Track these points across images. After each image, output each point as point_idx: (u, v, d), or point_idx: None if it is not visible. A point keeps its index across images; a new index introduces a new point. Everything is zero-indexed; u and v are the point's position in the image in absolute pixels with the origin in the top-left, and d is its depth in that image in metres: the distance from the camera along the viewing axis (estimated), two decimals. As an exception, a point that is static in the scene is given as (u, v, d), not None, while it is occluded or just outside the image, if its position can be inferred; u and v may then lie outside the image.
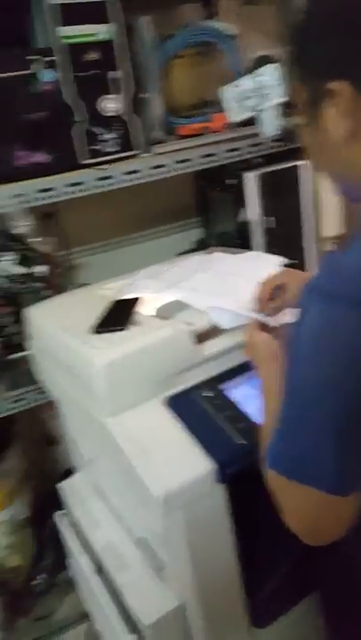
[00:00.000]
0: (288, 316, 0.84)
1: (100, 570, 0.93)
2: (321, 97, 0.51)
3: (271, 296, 0.85)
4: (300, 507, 0.52)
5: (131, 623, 0.83)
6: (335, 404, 0.47)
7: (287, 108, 1.27)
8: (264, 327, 0.80)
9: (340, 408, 0.47)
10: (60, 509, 1.14)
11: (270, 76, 1.18)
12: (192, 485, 0.69)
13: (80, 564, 0.97)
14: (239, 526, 0.76)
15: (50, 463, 1.62)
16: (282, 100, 1.19)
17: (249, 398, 0.80)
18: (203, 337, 0.85)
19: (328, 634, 0.81)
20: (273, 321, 0.83)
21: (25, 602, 1.43)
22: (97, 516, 1.01)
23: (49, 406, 1.36)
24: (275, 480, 0.54)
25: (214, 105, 1.27)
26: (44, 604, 1.45)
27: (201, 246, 1.46)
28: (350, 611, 0.72)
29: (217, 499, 0.72)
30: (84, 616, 1.37)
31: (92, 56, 1.11)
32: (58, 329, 0.91)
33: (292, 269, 0.84)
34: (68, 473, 1.31)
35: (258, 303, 0.85)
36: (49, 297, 1.25)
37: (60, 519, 1.10)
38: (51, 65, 1.07)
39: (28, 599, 1.43)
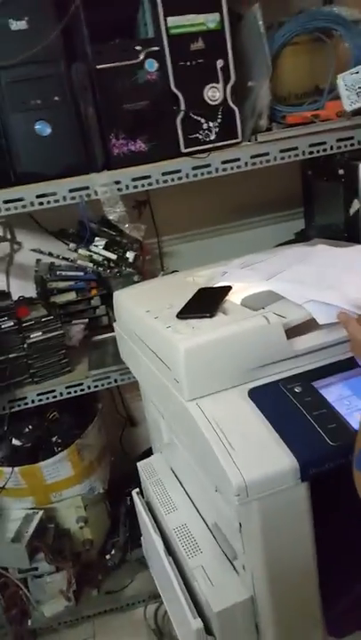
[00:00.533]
0: None
1: (171, 552, 0.94)
2: None
3: None
4: None
5: (199, 607, 0.83)
6: None
7: None
8: None
9: None
10: (137, 488, 1.17)
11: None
12: (273, 479, 0.67)
13: (153, 542, 0.99)
14: (322, 528, 0.72)
15: (130, 443, 1.67)
16: None
17: (344, 399, 0.76)
18: (296, 331, 0.82)
19: None
20: None
21: (97, 575, 1.49)
22: (172, 497, 1.02)
23: (132, 387, 1.41)
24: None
25: (329, 93, 1.21)
26: (115, 579, 1.51)
27: (302, 238, 1.42)
28: None
29: (298, 496, 0.69)
30: (153, 596, 1.40)
31: (198, 45, 1.12)
32: (144, 312, 0.93)
33: None
34: (146, 454, 1.35)
35: None
36: (138, 282, 1.28)
37: (136, 497, 1.13)
38: (156, 55, 1.09)
39: (99, 573, 1.50)
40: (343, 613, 0.75)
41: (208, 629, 0.80)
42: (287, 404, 0.75)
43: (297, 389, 0.77)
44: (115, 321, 1.20)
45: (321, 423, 0.72)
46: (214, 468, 0.70)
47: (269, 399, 0.77)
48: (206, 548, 0.87)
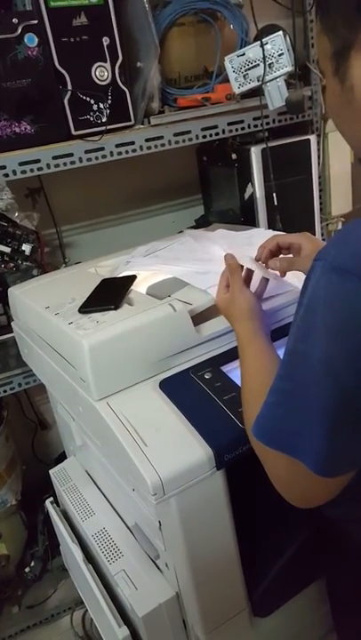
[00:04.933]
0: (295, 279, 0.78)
1: (91, 559, 0.90)
2: (349, 49, 0.47)
3: (276, 254, 0.79)
4: (288, 476, 0.52)
5: (124, 613, 0.80)
6: (332, 387, 0.44)
7: (293, 79, 1.21)
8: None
9: (336, 392, 0.44)
10: (51, 497, 1.10)
11: (276, 44, 1.12)
12: (188, 472, 0.65)
13: (71, 552, 0.93)
14: (239, 513, 0.72)
15: (43, 448, 1.58)
16: (288, 70, 1.12)
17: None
18: (202, 317, 0.81)
19: (336, 621, 0.78)
20: (263, 271, 0.78)
21: (16, 591, 1.40)
22: (89, 502, 0.98)
23: (41, 389, 1.32)
24: (262, 449, 0.53)
25: (217, 76, 1.20)
26: (37, 591, 1.43)
27: (203, 224, 1.41)
28: (359, 597, 0.69)
29: (215, 486, 0.68)
30: (79, 602, 1.35)
31: (82, 20, 1.05)
32: (43, 309, 0.87)
33: (309, 234, 0.78)
34: (61, 457, 1.28)
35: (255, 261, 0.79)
36: (37, 277, 1.20)
37: (50, 507, 1.06)
38: (36, 29, 1.00)
39: (19, 588, 1.41)
40: (266, 593, 0.76)
41: (135, 634, 0.77)
42: (198, 392, 0.74)
43: (207, 376, 0.76)
44: (12, 320, 1.11)
45: (232, 407, 0.71)
46: (129, 468, 0.67)
47: (180, 389, 0.75)
48: (127, 550, 0.84)
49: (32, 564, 1.44)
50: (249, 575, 0.76)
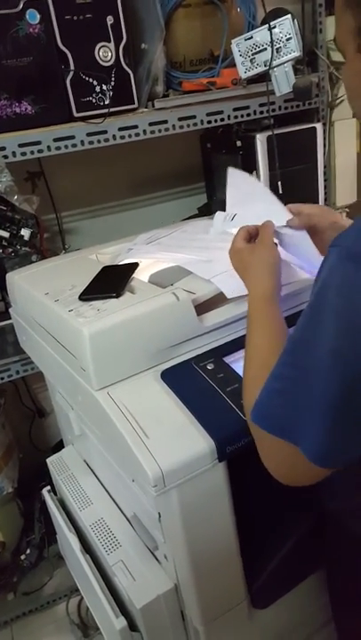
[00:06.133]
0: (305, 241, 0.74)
1: (88, 548, 0.89)
2: None
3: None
4: (282, 458, 0.52)
5: (121, 604, 0.79)
6: (338, 378, 0.43)
7: (300, 65, 1.18)
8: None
9: (343, 383, 0.43)
10: (48, 486, 1.09)
11: (285, 28, 1.08)
12: (190, 464, 0.64)
13: (68, 542, 0.92)
14: (239, 505, 0.71)
15: (41, 435, 1.57)
16: (296, 55, 1.10)
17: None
18: (205, 306, 0.79)
19: (335, 613, 0.78)
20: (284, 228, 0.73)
21: (12, 577, 1.40)
22: (87, 491, 0.97)
23: (39, 376, 1.31)
24: (258, 431, 0.52)
25: (223, 60, 1.17)
26: (33, 578, 1.43)
27: (206, 212, 1.39)
28: (357, 589, 0.68)
29: (216, 477, 0.67)
30: (74, 590, 1.35)
31: (86, -2, 1.01)
32: (42, 295, 0.85)
33: (328, 208, 0.75)
34: (59, 446, 1.27)
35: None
36: (36, 262, 1.18)
37: (47, 495, 1.05)
38: (37, 5, 0.97)
39: (15, 575, 1.41)
40: (265, 585, 0.76)
41: (132, 625, 0.76)
42: (200, 383, 0.72)
43: (209, 366, 0.75)
44: (11, 306, 1.09)
45: (234, 399, 0.69)
46: (129, 460, 0.66)
47: (182, 379, 0.73)
48: (126, 541, 0.83)
49: (28, 551, 1.44)
50: (248, 567, 0.76)
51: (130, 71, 1.09)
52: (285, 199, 1.23)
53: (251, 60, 1.13)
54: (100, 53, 1.06)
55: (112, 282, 0.83)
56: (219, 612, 0.75)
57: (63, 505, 1.03)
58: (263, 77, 1.14)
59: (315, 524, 0.75)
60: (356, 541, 0.64)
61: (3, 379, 1.17)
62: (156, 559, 0.79)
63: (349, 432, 0.46)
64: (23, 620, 1.37)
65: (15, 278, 1.00)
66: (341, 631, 0.76)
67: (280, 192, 1.23)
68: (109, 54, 1.07)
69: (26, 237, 1.23)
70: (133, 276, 0.86)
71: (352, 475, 0.59)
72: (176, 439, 0.65)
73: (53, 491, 1.09)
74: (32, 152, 1.00)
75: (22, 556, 1.44)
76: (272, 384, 0.50)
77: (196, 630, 0.75)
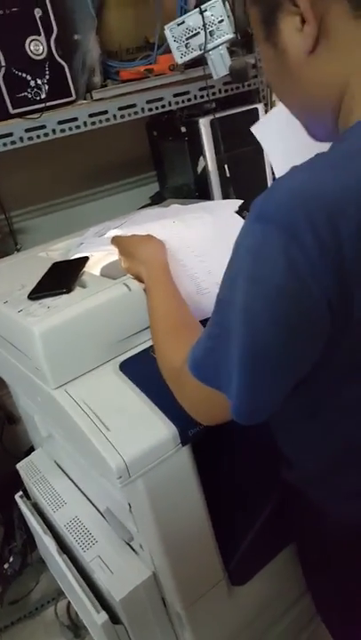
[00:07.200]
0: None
1: (66, 549, 0.89)
2: (275, 11, 0.47)
3: None
4: (205, 402, 0.55)
5: (103, 599, 0.79)
6: (249, 334, 0.45)
7: (235, 47, 1.18)
8: None
9: (253, 340, 0.45)
10: (20, 491, 1.08)
11: (216, 11, 1.08)
12: (153, 451, 0.64)
13: (45, 545, 0.91)
14: (207, 486, 0.72)
15: (12, 441, 1.54)
16: (230, 37, 1.09)
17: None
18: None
19: (307, 581, 0.80)
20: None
21: (-4, 587, 1.38)
22: (59, 492, 0.96)
23: (4, 383, 1.28)
24: (184, 380, 0.55)
25: (159, 47, 1.16)
26: (19, 585, 1.41)
27: (158, 201, 1.38)
28: (326, 560, 0.70)
29: (182, 462, 0.68)
30: (61, 592, 1.33)
31: (12, -9, 0.98)
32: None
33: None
34: (32, 450, 1.25)
35: None
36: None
37: (20, 501, 1.04)
38: None
39: (0, 584, 1.38)
40: (241, 562, 0.77)
41: (115, 618, 0.76)
42: (158, 372, 0.72)
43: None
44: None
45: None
46: (93, 454, 0.65)
47: (142, 369, 0.73)
48: (101, 536, 0.83)
49: (11, 559, 1.42)
50: (223, 546, 0.77)
51: (64, 63, 1.07)
52: (233, 182, 1.25)
53: (186, 45, 1.12)
54: (32, 47, 1.03)
55: (62, 278, 0.82)
56: (199, 594, 0.76)
57: (37, 508, 1.01)
58: (200, 62, 1.13)
59: (283, 496, 0.76)
60: (315, 507, 0.65)
61: (-36, 388, 1.14)
62: (133, 550, 0.79)
63: (266, 389, 0.48)
64: (12, 630, 1.36)
65: (-36, 283, 0.97)
66: (316, 597, 0.78)
67: (227, 175, 1.23)
68: (41, 47, 1.04)
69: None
70: (84, 270, 0.85)
71: (300, 441, 0.61)
72: (138, 428, 0.65)
73: (27, 495, 1.07)
74: (-29, 152, 0.97)
75: (5, 565, 1.41)
76: (205, 342, 0.52)
77: (178, 614, 0.76)
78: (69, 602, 1.37)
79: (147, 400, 0.69)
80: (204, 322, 0.69)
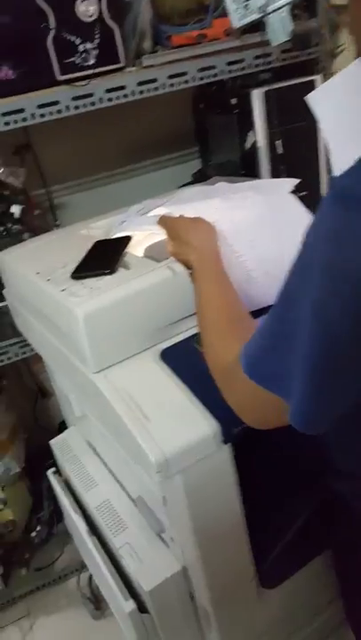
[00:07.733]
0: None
1: (94, 529, 0.88)
2: None
3: None
4: (260, 406, 0.50)
5: (130, 586, 0.78)
6: (320, 333, 0.39)
7: (297, 10, 1.09)
8: None
9: (325, 339, 0.39)
10: (53, 467, 1.08)
11: (280, -31, 0.99)
12: (194, 448, 0.61)
13: (74, 523, 0.91)
14: (246, 486, 0.69)
15: (45, 415, 1.56)
16: (294, -2, 1.01)
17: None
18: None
19: (343, 591, 0.77)
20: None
21: (24, 554, 1.41)
22: (91, 473, 0.95)
23: (39, 358, 1.28)
24: (237, 378, 0.50)
25: (214, 10, 1.08)
26: (44, 554, 1.44)
27: (201, 179, 1.32)
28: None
29: (222, 460, 0.65)
30: (84, 565, 1.36)
31: None
32: (34, 275, 0.80)
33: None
34: (64, 424, 1.25)
35: None
36: (26, 240, 1.12)
37: (52, 477, 1.04)
38: None
39: (26, 551, 1.42)
40: (274, 564, 0.75)
41: (142, 607, 0.76)
42: (202, 362, 0.68)
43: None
44: (4, 288, 1.05)
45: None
46: (131, 444, 0.63)
47: (183, 359, 0.70)
48: (132, 523, 0.82)
49: (38, 528, 1.45)
50: (257, 547, 0.74)
51: (115, 26, 1.01)
52: (286, 158, 1.17)
53: (245, 6, 1.04)
54: (82, 8, 0.98)
55: (105, 258, 0.78)
56: (228, 593, 0.74)
57: (68, 485, 1.01)
58: (257, 27, 1.05)
59: (321, 504, 0.73)
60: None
61: (2, 361, 1.14)
62: (163, 541, 0.78)
63: (333, 394, 0.42)
64: (37, 594, 1.40)
65: (6, 258, 0.95)
66: (349, 609, 0.75)
67: (279, 152, 1.16)
68: (92, 8, 0.98)
69: (16, 214, 1.17)
70: (127, 250, 0.81)
71: (356, 455, 0.57)
72: (178, 422, 0.63)
73: (58, 472, 1.08)
74: (16, 121, 0.93)
75: (33, 533, 1.45)
76: (261, 339, 0.47)
77: (206, 612, 0.74)
78: (91, 575, 1.39)
79: (188, 392, 0.65)
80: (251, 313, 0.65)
